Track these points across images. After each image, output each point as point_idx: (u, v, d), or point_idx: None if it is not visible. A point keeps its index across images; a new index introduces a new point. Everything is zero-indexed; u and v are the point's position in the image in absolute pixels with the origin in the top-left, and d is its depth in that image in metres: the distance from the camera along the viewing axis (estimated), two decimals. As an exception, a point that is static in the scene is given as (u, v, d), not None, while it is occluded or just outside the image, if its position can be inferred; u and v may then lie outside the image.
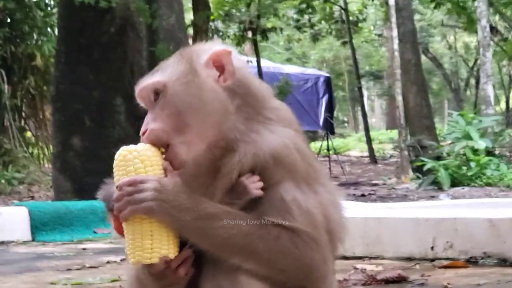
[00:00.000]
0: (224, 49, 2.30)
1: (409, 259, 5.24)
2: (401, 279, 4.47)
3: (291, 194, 2.23)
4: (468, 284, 4.29)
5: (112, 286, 5.01)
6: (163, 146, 2.24)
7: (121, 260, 6.70)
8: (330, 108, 29.56)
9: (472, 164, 21.76)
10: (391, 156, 26.36)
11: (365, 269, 4.99)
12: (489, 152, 22.37)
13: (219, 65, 2.30)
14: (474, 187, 21.22)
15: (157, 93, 2.26)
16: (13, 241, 9.20)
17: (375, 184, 23.76)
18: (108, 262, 6.61)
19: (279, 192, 2.22)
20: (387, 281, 4.46)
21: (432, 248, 5.12)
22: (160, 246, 2.17)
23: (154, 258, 2.18)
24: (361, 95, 29.34)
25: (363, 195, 20.28)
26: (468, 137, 21.32)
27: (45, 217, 9.38)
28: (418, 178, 23.01)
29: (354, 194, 20.57)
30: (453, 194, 20.22)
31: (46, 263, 6.88)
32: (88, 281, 5.28)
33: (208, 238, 2.16)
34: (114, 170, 2.21)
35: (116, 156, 2.20)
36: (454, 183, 21.27)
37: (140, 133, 2.26)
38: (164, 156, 2.22)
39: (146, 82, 2.29)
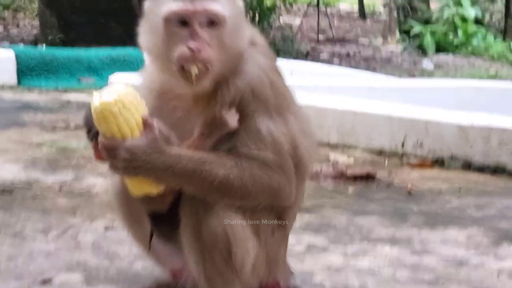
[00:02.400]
0: None
1: (379, 152, 5.49)
2: (369, 177, 4.73)
3: (264, 124, 2.41)
4: (431, 189, 4.56)
5: (95, 155, 5.22)
6: (203, 71, 2.32)
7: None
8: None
9: (459, 32, 21.87)
10: (381, 13, 26.23)
11: (337, 161, 5.25)
12: (477, 21, 22.40)
13: None
14: (459, 56, 21.44)
15: (213, 21, 2.35)
16: (-1, 84, 9.38)
17: (361, 44, 23.89)
18: (92, 122, 6.80)
19: (253, 123, 2.41)
20: (355, 177, 4.72)
21: (402, 145, 5.36)
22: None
23: (159, 189, 2.36)
24: None
25: (348, 55, 20.46)
26: (458, 3, 21.25)
27: (32, 62, 9.51)
28: (404, 40, 23.13)
29: (339, 54, 20.76)
30: (437, 61, 20.45)
31: (32, 116, 7.10)
32: (72, 146, 5.50)
33: (186, 187, 2.36)
34: (98, 122, 2.26)
35: (97, 110, 2.24)
36: (439, 50, 21.45)
37: (189, 48, 2.30)
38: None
39: (210, 8, 2.34)
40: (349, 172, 4.76)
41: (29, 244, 3.34)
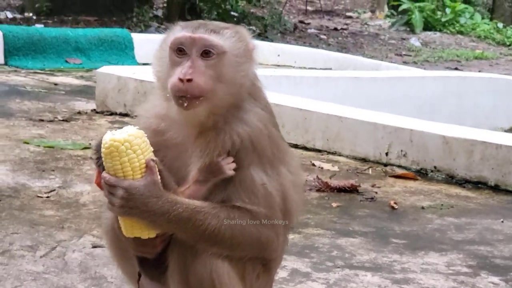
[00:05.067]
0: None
1: (364, 160, 5.56)
2: (353, 189, 4.80)
3: (259, 177, 2.48)
4: (413, 205, 4.64)
5: (83, 155, 5.26)
6: (195, 97, 2.40)
7: (91, 111, 6.93)
8: None
9: (448, 10, 21.88)
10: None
11: (321, 167, 5.32)
12: (466, 0, 22.42)
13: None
14: (446, 34, 21.49)
15: (209, 52, 2.42)
16: (-15, 64, 9.35)
17: (349, 17, 23.87)
18: (79, 113, 6.83)
19: (249, 175, 2.47)
20: (339, 189, 4.79)
21: (386, 154, 5.43)
22: None
23: (151, 234, 2.43)
24: None
25: (335, 29, 20.45)
26: (448, -21, 21.21)
27: (19, 42, 9.48)
28: (393, 15, 23.13)
29: (327, 27, 20.74)
30: (424, 39, 20.50)
31: (19, 103, 7.09)
32: (60, 144, 5.53)
33: (178, 234, 2.42)
34: (105, 158, 2.37)
35: (106, 145, 2.34)
36: (427, 27, 21.47)
37: (181, 75, 2.39)
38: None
39: (207, 37, 2.43)
40: (333, 184, 4.83)
41: (17, 264, 3.39)
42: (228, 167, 2.45)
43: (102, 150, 2.37)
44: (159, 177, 2.40)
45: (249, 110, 2.50)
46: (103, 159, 2.39)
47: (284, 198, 2.54)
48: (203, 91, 2.41)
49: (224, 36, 2.47)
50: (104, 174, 2.38)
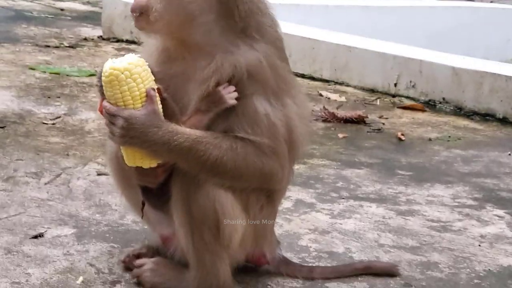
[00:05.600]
0: None
1: (372, 90, 5.51)
2: (359, 120, 4.76)
3: (262, 106, 2.45)
4: (420, 137, 4.61)
5: (89, 82, 5.23)
6: (136, 12, 2.39)
7: (98, 37, 6.87)
8: None
9: None
10: None
11: (328, 98, 5.27)
12: None
13: None
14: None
15: None
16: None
17: None
18: (85, 39, 6.77)
19: (251, 104, 2.44)
20: (346, 120, 4.75)
21: (395, 84, 5.37)
22: None
23: (152, 163, 2.42)
24: None
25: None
26: None
27: (25, -34, 9.32)
28: None
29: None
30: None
31: (25, 29, 7.04)
32: (66, 70, 5.49)
33: (179, 164, 2.40)
34: (105, 86, 2.34)
35: (106, 73, 2.32)
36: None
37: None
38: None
39: None
40: (340, 114, 4.79)
41: (21, 191, 3.39)
42: (230, 96, 2.42)
43: (103, 78, 2.34)
44: (160, 106, 2.38)
45: (244, 44, 2.44)
46: (104, 88, 2.37)
47: (289, 129, 2.50)
48: (137, 6, 2.39)
49: None
50: (104, 103, 2.36)
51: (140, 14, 2.40)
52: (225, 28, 2.44)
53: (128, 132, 2.32)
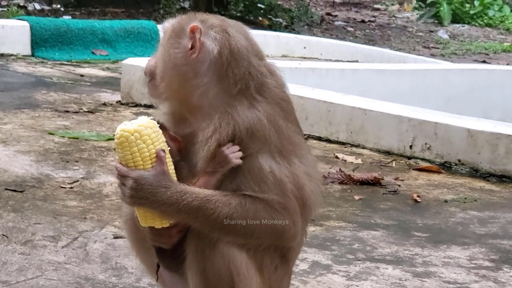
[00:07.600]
0: (193, 25, 2.50)
1: (387, 153, 5.53)
2: (375, 182, 4.78)
3: (266, 164, 2.48)
4: (436, 199, 4.61)
5: (107, 146, 5.29)
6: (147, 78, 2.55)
7: (116, 102, 6.97)
8: None
9: (476, 2, 21.70)
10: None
11: (345, 160, 5.30)
12: (495, -8, 22.20)
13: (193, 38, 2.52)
14: (474, 26, 21.32)
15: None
16: (13, 55, 9.42)
17: (377, 9, 23.75)
18: (104, 104, 6.87)
19: (256, 162, 2.47)
20: (362, 182, 4.77)
21: (410, 146, 5.40)
22: None
23: (164, 223, 2.45)
24: None
25: (363, 21, 20.36)
26: (476, -27, 21.04)
27: (46, 33, 9.55)
28: (421, 7, 22.99)
29: (354, 19, 20.66)
30: (452, 31, 20.36)
31: (45, 94, 7.15)
32: (85, 135, 5.56)
33: (190, 222, 2.43)
34: (117, 148, 2.41)
35: (117, 135, 2.38)
36: (455, 20, 21.32)
37: None
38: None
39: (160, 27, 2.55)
40: (356, 176, 4.81)
41: (39, 254, 3.41)
42: (234, 155, 2.45)
43: (114, 140, 2.41)
44: (172, 167, 2.41)
45: (242, 104, 2.48)
46: (117, 151, 2.42)
47: (298, 186, 2.52)
48: (147, 71, 2.53)
49: (164, 28, 2.58)
50: (116, 164, 2.41)
51: (150, 80, 2.52)
52: (221, 90, 2.51)
53: (137, 193, 2.36)
